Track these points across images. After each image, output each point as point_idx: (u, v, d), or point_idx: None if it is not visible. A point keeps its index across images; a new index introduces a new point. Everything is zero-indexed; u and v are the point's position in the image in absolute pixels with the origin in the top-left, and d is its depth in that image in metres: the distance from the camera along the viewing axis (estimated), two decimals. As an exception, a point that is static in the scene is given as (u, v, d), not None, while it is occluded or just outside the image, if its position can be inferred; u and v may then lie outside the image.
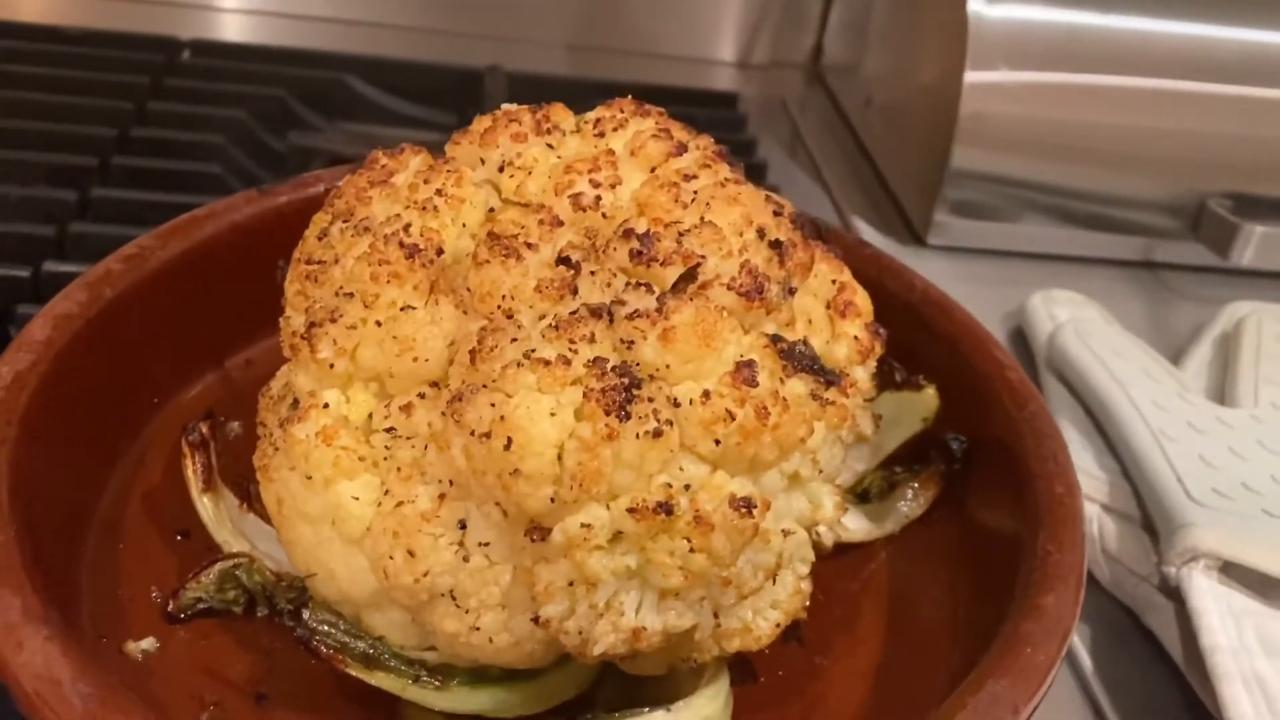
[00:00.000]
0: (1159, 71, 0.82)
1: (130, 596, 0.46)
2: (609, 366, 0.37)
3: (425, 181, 0.44)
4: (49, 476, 0.45)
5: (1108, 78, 0.82)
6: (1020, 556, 0.46)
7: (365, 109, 0.91)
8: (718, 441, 0.37)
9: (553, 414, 0.36)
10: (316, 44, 0.98)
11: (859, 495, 0.55)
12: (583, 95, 0.54)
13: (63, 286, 0.49)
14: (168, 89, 0.85)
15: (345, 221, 0.44)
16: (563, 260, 0.40)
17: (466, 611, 0.39)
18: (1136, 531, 0.59)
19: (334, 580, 0.41)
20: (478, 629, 0.39)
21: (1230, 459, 0.61)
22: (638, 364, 0.37)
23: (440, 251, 0.42)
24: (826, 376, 0.41)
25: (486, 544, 0.39)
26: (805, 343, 0.42)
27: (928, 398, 0.55)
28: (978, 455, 0.54)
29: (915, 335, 0.56)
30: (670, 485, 0.37)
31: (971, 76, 0.80)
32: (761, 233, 0.41)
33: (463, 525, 0.39)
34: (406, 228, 0.42)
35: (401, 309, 0.40)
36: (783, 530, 0.41)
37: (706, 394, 0.37)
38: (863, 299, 0.48)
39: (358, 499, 0.40)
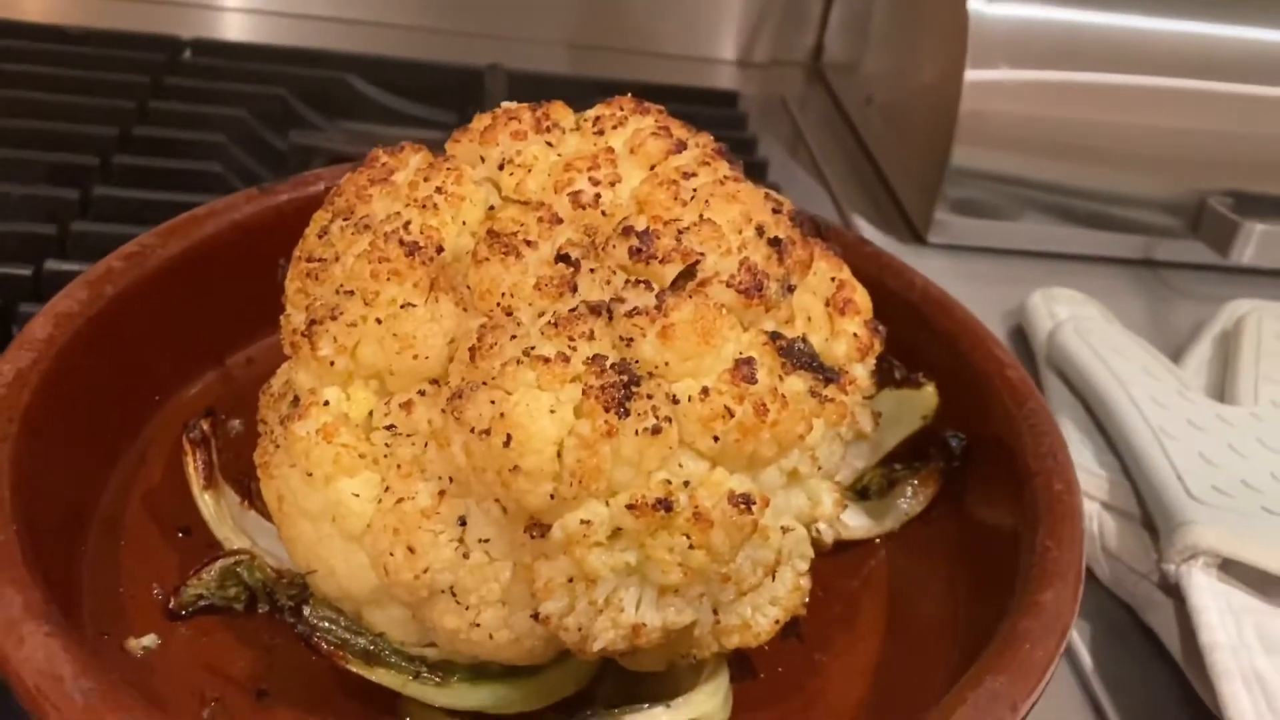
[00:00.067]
0: (1159, 70, 0.82)
1: (131, 593, 0.46)
2: (608, 364, 0.37)
3: (425, 179, 0.44)
4: (50, 474, 0.45)
5: (1108, 76, 0.82)
6: (1019, 553, 0.46)
7: (366, 108, 0.91)
8: (717, 438, 0.37)
9: (552, 411, 0.36)
10: (317, 43, 0.98)
11: (858, 492, 0.55)
12: (583, 93, 0.54)
13: (64, 285, 0.50)
14: (169, 88, 0.85)
15: (345, 219, 0.44)
16: (562, 258, 0.40)
17: (466, 608, 0.39)
18: (1136, 529, 0.59)
19: (334, 577, 0.41)
20: (478, 625, 0.39)
21: (1230, 456, 0.61)
22: (637, 361, 0.37)
23: (440, 249, 0.42)
24: (825, 374, 0.41)
25: (486, 540, 0.39)
26: (804, 340, 0.42)
27: (927, 395, 0.55)
28: (977, 452, 0.54)
29: (915, 333, 0.56)
30: (669, 482, 0.37)
31: (972, 75, 0.80)
32: (760, 230, 0.41)
33: (463, 522, 0.39)
34: (406, 225, 0.42)
35: (402, 306, 0.40)
36: (782, 527, 0.41)
37: (705, 391, 0.37)
38: (862, 296, 0.48)
39: (358, 496, 0.40)
